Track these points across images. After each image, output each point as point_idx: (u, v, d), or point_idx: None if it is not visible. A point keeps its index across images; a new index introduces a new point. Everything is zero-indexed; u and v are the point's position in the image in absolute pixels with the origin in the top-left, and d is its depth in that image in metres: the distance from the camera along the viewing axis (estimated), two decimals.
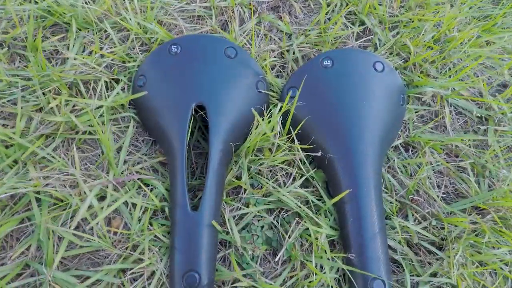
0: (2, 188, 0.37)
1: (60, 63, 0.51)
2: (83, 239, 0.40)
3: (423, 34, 0.63)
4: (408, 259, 0.46)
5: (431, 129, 0.59)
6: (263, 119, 0.46)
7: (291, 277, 0.42)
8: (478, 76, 0.65)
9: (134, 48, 0.54)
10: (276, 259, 0.42)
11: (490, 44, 0.67)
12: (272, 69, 0.58)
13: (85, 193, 0.40)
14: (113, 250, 0.39)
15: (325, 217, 0.47)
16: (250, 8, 0.62)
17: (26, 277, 0.37)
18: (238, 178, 0.47)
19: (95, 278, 0.37)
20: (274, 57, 0.58)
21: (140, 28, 0.55)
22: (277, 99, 0.54)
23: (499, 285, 0.45)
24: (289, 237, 0.44)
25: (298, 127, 0.48)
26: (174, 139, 0.45)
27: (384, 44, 0.62)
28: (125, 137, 0.47)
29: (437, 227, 0.49)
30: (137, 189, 0.44)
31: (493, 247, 0.47)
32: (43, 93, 0.46)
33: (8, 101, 0.46)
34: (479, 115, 0.60)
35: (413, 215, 0.50)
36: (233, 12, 0.60)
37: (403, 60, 0.62)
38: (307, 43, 0.61)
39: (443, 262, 0.45)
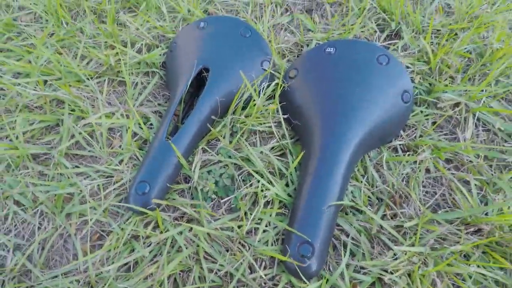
0: (56, 93, 0.53)
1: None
2: (90, 147, 0.52)
3: (458, 42, 0.59)
4: (361, 247, 0.43)
5: (448, 141, 0.54)
6: (253, 87, 0.52)
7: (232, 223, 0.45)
8: None
9: (179, 27, 0.68)
10: (223, 200, 0.46)
11: None
12: (285, 56, 0.63)
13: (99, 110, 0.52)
14: (103, 157, 0.50)
15: (286, 185, 0.48)
16: (283, 6, 0.69)
17: (44, 160, 0.51)
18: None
19: (83, 170, 0.48)
20: (291, 48, 0.63)
21: (188, 12, 0.69)
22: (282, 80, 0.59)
23: None
24: (245, 189, 0.47)
25: (279, 90, 0.52)
26: (178, 88, 0.54)
27: (409, 48, 0.61)
28: (148, 86, 0.60)
29: (406, 228, 0.44)
30: (139, 124, 0.54)
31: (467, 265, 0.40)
32: (104, 45, 0.63)
33: (85, 48, 0.64)
34: (509, 134, 0.52)
35: (384, 210, 0.46)
36: (267, 7, 0.69)
37: (429, 67, 0.59)
38: (328, 40, 0.64)
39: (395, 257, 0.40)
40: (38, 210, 0.46)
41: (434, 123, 0.55)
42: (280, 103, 0.55)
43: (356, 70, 0.52)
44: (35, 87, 0.56)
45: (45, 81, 0.57)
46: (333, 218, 0.43)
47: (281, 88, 0.55)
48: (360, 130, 0.48)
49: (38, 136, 0.52)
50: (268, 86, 0.55)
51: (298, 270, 0.39)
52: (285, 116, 0.52)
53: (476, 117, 0.55)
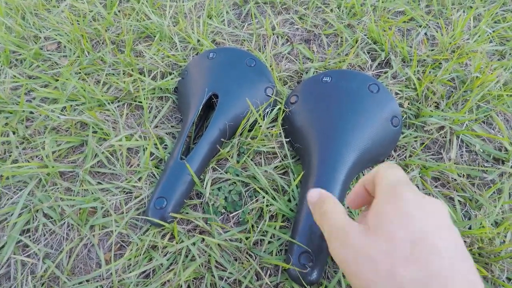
0: (81, 117, 0.59)
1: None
2: (111, 165, 0.57)
3: (441, 72, 0.66)
4: None
5: (435, 161, 0.59)
6: (258, 113, 0.58)
7: (240, 234, 0.50)
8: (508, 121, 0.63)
9: (190, 55, 0.75)
10: (232, 215, 0.51)
11: None
12: (286, 83, 0.70)
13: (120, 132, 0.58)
14: (123, 174, 0.55)
15: (288, 200, 0.54)
16: (284, 37, 0.77)
17: (70, 176, 0.56)
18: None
19: (105, 186, 0.53)
20: (291, 75, 0.70)
21: (198, 42, 0.76)
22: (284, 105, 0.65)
23: None
24: (251, 204, 0.52)
25: (282, 115, 0.58)
26: (190, 112, 0.60)
27: (398, 76, 0.68)
28: (162, 109, 0.66)
29: None
30: (155, 144, 0.60)
31: None
32: (123, 73, 0.69)
33: (106, 75, 0.71)
34: (489, 154, 0.58)
35: None
36: (269, 38, 0.76)
37: (416, 93, 0.66)
38: (325, 68, 0.71)
39: None
40: (65, 222, 0.51)
41: (422, 144, 0.61)
42: (282, 126, 0.61)
43: (350, 98, 0.59)
44: (61, 111, 0.62)
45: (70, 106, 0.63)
46: None
47: (283, 113, 0.61)
48: (353, 152, 0.54)
49: (64, 155, 0.58)
50: (271, 110, 0.62)
51: (300, 277, 0.43)
52: (287, 140, 0.58)
53: (459, 139, 0.61)
